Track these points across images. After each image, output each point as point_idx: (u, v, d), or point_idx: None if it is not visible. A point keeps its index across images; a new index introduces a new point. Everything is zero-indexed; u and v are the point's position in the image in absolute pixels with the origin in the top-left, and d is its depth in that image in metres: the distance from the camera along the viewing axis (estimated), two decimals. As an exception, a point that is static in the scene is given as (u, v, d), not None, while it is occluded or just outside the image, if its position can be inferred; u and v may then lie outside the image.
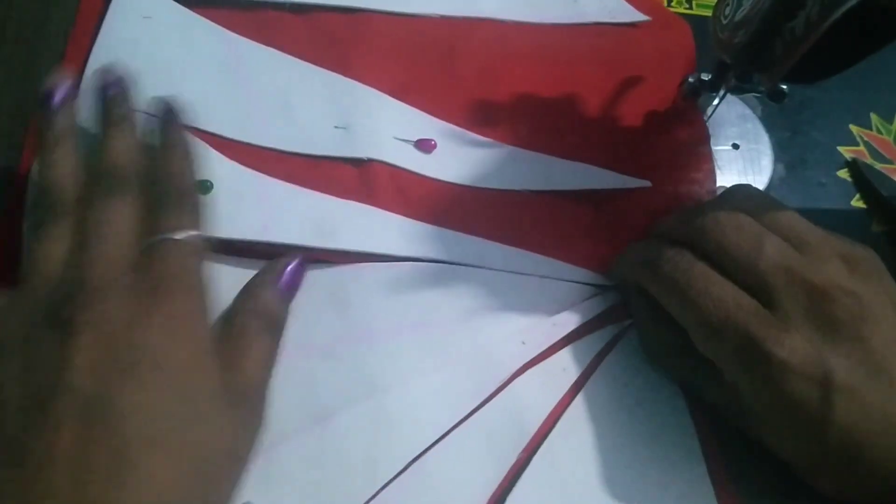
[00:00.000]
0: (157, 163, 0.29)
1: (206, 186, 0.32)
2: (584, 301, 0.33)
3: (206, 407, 0.24)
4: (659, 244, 0.30)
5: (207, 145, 0.33)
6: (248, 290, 0.29)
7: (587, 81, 0.39)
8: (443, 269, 0.33)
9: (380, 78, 0.37)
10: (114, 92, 0.30)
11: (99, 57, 0.35)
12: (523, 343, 0.32)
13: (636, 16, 0.41)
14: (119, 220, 0.26)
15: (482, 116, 0.37)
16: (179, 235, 0.26)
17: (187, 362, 0.24)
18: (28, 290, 0.25)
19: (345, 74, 0.37)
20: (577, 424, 0.30)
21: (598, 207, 0.36)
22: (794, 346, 0.26)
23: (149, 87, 0.34)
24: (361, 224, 0.33)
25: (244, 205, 0.32)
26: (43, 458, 0.21)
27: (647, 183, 0.36)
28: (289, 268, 0.30)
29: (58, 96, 0.29)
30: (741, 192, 0.32)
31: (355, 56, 0.37)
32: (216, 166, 0.33)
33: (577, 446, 0.30)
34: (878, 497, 0.26)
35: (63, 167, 0.28)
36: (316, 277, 0.32)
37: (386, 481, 0.28)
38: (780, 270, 0.27)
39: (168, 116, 0.31)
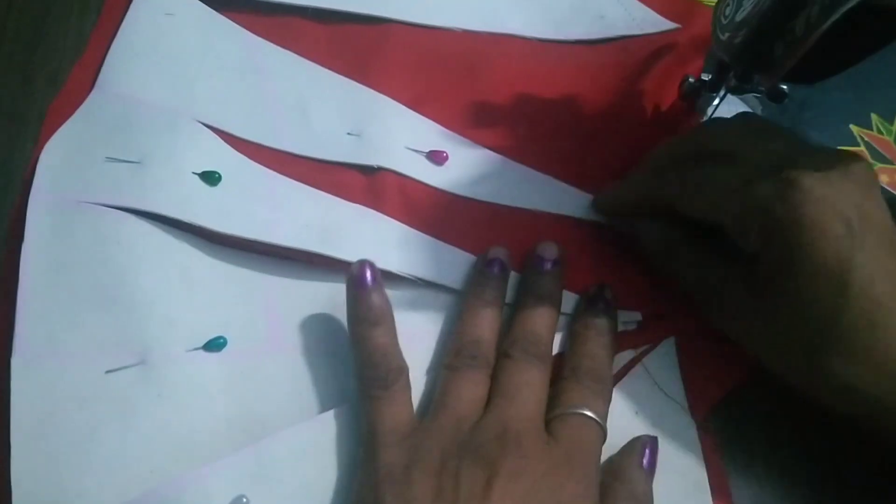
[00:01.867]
0: (577, 336, 0.31)
1: (214, 177, 0.32)
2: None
3: None
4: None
5: (218, 137, 0.34)
6: (618, 472, 0.29)
7: (609, 100, 0.38)
8: (437, 291, 0.33)
9: (397, 87, 0.37)
10: (553, 269, 0.32)
11: (120, 50, 0.35)
12: None
13: (666, 24, 0.41)
14: (539, 384, 0.29)
15: (496, 131, 0.37)
16: (590, 413, 0.28)
17: None
18: (444, 422, 0.27)
19: (362, 82, 0.37)
20: None
21: (605, 240, 0.35)
22: (826, 184, 0.26)
23: (166, 83, 0.34)
24: (366, 234, 0.33)
25: (252, 200, 0.32)
26: None
27: None
28: (648, 449, 0.29)
29: (498, 268, 0.32)
30: (748, 116, 0.33)
31: (374, 65, 0.37)
32: (226, 158, 0.33)
33: None
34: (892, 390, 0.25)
35: (490, 328, 0.30)
36: (316, 282, 0.32)
37: None
38: (794, 149, 0.28)
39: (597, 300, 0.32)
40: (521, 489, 0.25)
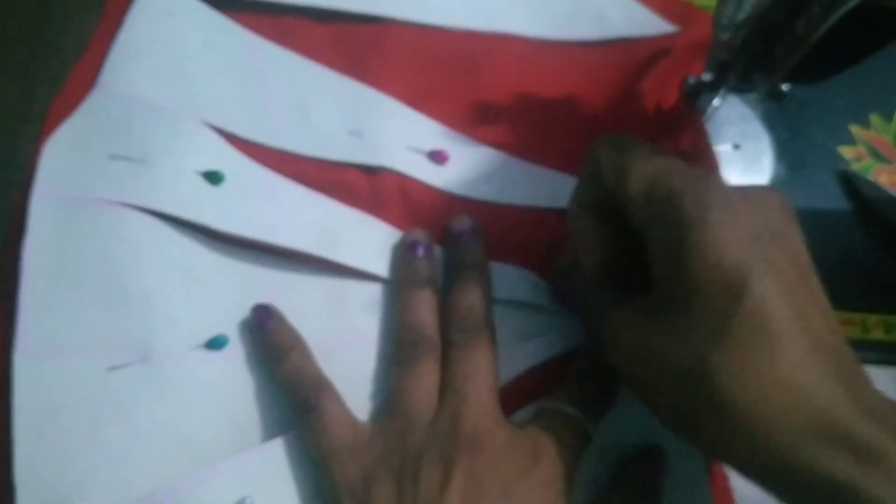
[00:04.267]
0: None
1: (217, 177, 0.32)
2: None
3: None
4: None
5: (221, 137, 0.34)
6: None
7: (609, 99, 0.38)
8: None
9: (397, 87, 0.37)
10: (471, 239, 0.32)
11: (120, 49, 0.35)
12: (510, 356, 0.31)
13: (665, 27, 0.41)
14: (486, 367, 0.28)
15: (497, 130, 0.37)
16: (570, 410, 0.28)
17: None
18: (397, 424, 0.27)
19: (363, 81, 0.37)
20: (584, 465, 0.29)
21: None
22: (739, 195, 0.23)
23: (166, 82, 0.34)
24: (366, 239, 0.33)
25: (254, 201, 0.32)
26: None
27: None
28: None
29: (422, 249, 0.32)
30: None
31: (374, 64, 0.37)
32: (228, 158, 0.33)
33: (584, 484, 0.29)
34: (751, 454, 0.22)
35: (428, 310, 0.30)
36: (316, 281, 0.32)
37: None
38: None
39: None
40: (479, 487, 0.25)
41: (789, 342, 0.22)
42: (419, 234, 0.32)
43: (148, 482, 0.27)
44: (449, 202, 0.35)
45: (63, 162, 0.32)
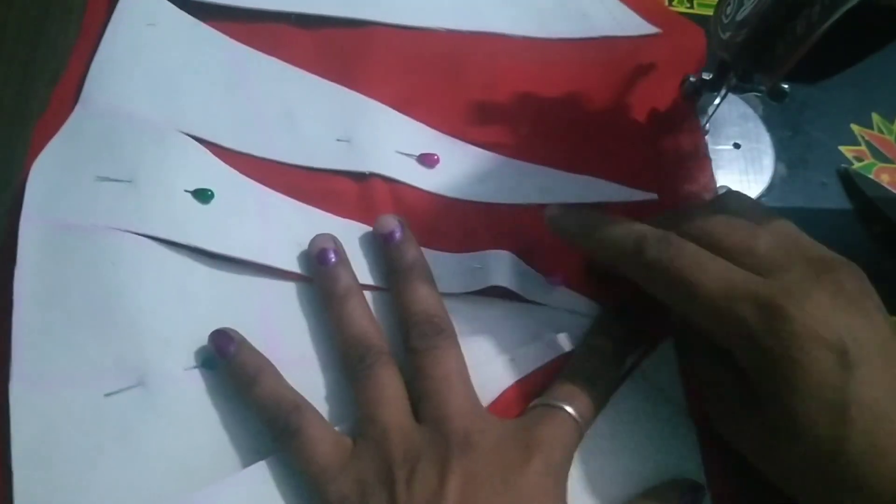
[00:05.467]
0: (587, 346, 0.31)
1: (206, 195, 0.32)
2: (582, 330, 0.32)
3: None
4: (638, 226, 0.28)
5: (209, 152, 0.33)
6: None
7: (594, 96, 0.38)
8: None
9: (384, 91, 0.37)
10: (401, 237, 0.31)
11: (102, 62, 0.34)
12: (512, 360, 0.31)
13: (647, 28, 0.41)
14: (456, 368, 0.28)
15: (487, 131, 0.37)
16: (569, 409, 0.27)
17: None
18: (376, 435, 0.27)
19: (349, 87, 0.36)
20: (585, 455, 0.29)
21: None
22: (814, 311, 0.24)
23: (151, 95, 0.34)
24: (356, 251, 0.32)
25: (244, 219, 0.32)
26: None
27: (654, 196, 0.36)
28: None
29: (333, 256, 0.31)
30: (733, 197, 0.30)
31: (360, 69, 0.37)
32: (217, 174, 0.33)
33: (578, 478, 0.29)
34: None
35: (363, 317, 0.29)
36: (310, 296, 0.31)
37: None
38: (780, 250, 0.26)
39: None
40: (476, 482, 0.25)
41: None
42: (324, 240, 0.31)
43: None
44: (441, 205, 0.34)
45: (50, 185, 0.31)
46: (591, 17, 0.41)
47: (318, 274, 0.31)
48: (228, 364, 0.28)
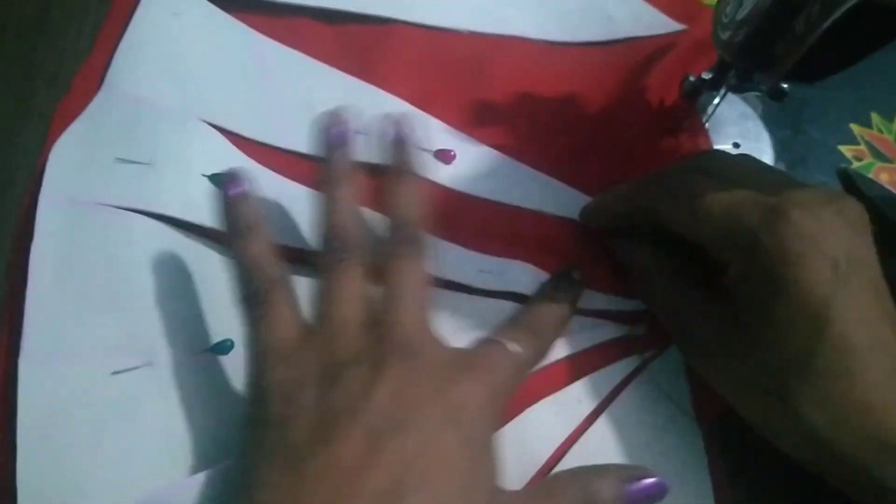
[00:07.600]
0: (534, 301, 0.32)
1: (223, 180, 0.32)
2: (594, 329, 0.33)
3: (485, 456, 0.25)
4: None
5: (228, 141, 0.33)
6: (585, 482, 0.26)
7: (617, 102, 0.38)
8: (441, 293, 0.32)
9: (403, 87, 0.37)
10: (399, 135, 0.31)
11: (127, 51, 0.35)
12: None
13: (672, 26, 0.41)
14: (419, 283, 0.27)
15: (504, 132, 0.37)
16: (512, 346, 0.28)
17: (481, 428, 0.25)
18: (327, 330, 0.26)
19: (369, 82, 0.37)
20: (589, 457, 0.29)
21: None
22: (816, 222, 0.25)
23: (173, 83, 0.34)
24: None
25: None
26: (322, 469, 0.22)
27: None
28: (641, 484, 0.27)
29: (341, 137, 0.30)
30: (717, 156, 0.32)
31: (381, 65, 0.37)
32: (235, 162, 0.33)
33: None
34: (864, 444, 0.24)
35: (348, 210, 0.28)
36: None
37: None
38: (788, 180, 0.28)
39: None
40: (409, 386, 0.24)
41: (866, 368, 0.24)
42: (339, 118, 0.30)
43: (151, 485, 0.27)
44: (455, 199, 0.35)
45: (69, 165, 0.32)
46: (615, 19, 0.41)
47: (326, 153, 0.30)
48: (226, 206, 0.28)
